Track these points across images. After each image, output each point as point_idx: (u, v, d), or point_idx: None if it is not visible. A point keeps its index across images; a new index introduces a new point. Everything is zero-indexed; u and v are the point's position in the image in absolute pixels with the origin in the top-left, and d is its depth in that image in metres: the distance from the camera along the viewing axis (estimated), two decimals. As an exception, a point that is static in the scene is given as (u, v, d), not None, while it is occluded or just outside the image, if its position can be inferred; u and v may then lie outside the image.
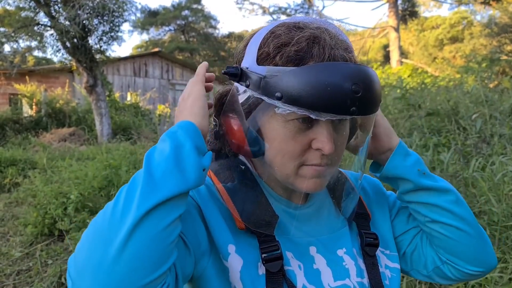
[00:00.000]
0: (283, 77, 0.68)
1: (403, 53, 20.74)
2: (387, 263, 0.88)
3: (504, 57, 11.93)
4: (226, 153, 0.85)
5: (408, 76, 11.41)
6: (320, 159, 0.73)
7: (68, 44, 10.38)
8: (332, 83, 0.66)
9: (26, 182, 6.34)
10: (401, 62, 16.94)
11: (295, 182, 0.76)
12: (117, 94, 15.76)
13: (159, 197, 0.60)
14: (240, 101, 0.76)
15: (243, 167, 0.83)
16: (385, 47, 21.74)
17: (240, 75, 0.74)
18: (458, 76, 9.63)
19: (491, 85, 7.09)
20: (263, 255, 0.74)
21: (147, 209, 0.59)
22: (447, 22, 22.57)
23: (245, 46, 0.79)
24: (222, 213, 0.78)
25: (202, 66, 0.79)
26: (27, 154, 8.13)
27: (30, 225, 4.47)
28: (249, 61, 0.75)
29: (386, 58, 21.24)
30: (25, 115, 13.01)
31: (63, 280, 3.21)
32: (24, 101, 13.65)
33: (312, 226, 0.84)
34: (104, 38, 10.87)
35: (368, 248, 0.85)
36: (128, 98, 17.43)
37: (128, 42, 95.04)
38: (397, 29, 17.78)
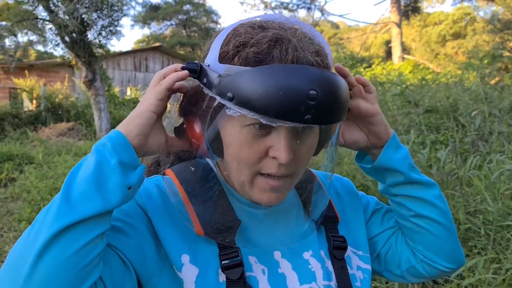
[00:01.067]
0: (237, 77, 0.64)
1: (405, 49, 20.64)
2: (359, 264, 0.86)
3: (507, 54, 11.82)
4: (192, 154, 0.82)
5: (409, 72, 11.34)
6: (277, 169, 0.69)
7: (67, 38, 10.34)
8: (285, 87, 0.61)
9: (22, 177, 6.32)
10: (403, 58, 16.84)
11: (250, 192, 0.74)
12: (116, 89, 15.73)
13: (72, 218, 0.57)
14: (202, 100, 0.72)
15: (207, 169, 0.79)
16: (387, 43, 21.63)
17: (199, 72, 0.70)
18: (459, 72, 9.56)
19: (492, 82, 7.01)
20: (223, 262, 0.72)
21: (57, 230, 0.56)
22: (450, 18, 22.44)
23: (211, 43, 0.75)
24: (179, 219, 0.75)
25: (171, 77, 0.70)
26: (24, 149, 8.11)
27: (24, 221, 4.46)
28: (211, 59, 0.71)
29: (388, 54, 21.15)
30: (25, 109, 12.99)
31: None
32: (24, 95, 13.63)
33: (278, 230, 0.81)
34: (103, 33, 10.83)
35: (336, 251, 0.83)
36: (128, 93, 17.41)
37: (130, 36, 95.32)
38: (399, 25, 17.67)
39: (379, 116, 0.81)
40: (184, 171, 0.79)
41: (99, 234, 0.60)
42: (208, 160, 0.81)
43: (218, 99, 0.66)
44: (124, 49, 20.54)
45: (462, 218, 2.86)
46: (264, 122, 0.64)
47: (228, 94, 0.64)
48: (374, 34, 22.11)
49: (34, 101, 13.19)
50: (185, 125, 0.76)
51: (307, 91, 0.61)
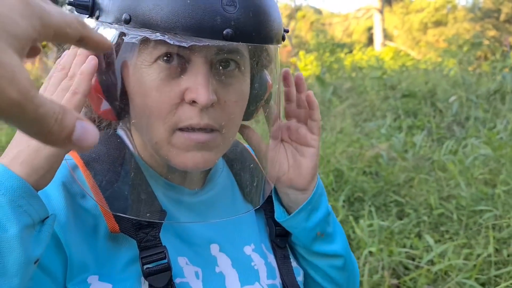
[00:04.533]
0: None
1: (387, 36, 20.65)
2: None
3: (487, 42, 11.90)
4: (98, 127, 0.64)
5: (390, 59, 11.31)
6: (199, 117, 0.54)
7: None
8: None
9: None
10: (385, 45, 16.83)
11: (168, 155, 0.57)
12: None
13: None
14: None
15: (121, 147, 0.62)
16: (370, 29, 21.61)
17: (91, 8, 0.56)
18: (439, 60, 9.56)
19: (470, 69, 7.02)
20: (145, 267, 0.57)
21: None
22: (432, 5, 22.49)
23: None
24: (88, 223, 0.58)
25: (84, 77, 0.52)
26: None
27: None
28: None
29: (370, 41, 21.13)
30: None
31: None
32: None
33: (212, 217, 0.67)
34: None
35: (279, 239, 0.71)
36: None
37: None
38: (381, 11, 17.62)
39: (314, 150, 0.69)
40: (93, 153, 0.61)
41: None
42: (121, 134, 0.64)
43: (112, 27, 0.53)
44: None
45: (434, 203, 2.81)
46: (171, 43, 0.50)
47: (124, 15, 0.51)
48: (356, 20, 22.04)
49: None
50: None
51: None
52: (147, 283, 0.57)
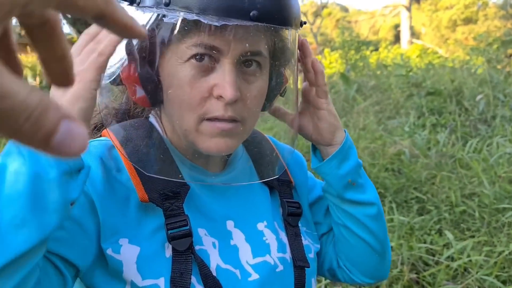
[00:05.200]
0: None
1: (414, 34, 20.31)
2: (309, 239, 0.82)
3: (518, 40, 11.55)
4: (133, 113, 0.74)
5: (417, 57, 11.14)
6: (224, 110, 0.62)
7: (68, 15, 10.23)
8: None
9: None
10: (412, 43, 16.57)
11: (196, 141, 0.65)
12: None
13: (2, 260, 0.47)
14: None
15: (152, 130, 0.71)
16: (397, 27, 21.30)
17: None
18: (467, 58, 9.37)
19: (499, 67, 6.87)
20: (169, 232, 0.64)
21: None
22: (462, 2, 21.99)
23: None
24: (121, 192, 0.66)
25: (111, 41, 0.57)
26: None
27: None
28: None
29: (397, 39, 20.82)
30: (29, 86, 12.98)
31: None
32: (27, 71, 13.61)
33: (230, 197, 0.75)
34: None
35: (291, 218, 0.77)
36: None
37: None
38: (409, 9, 17.34)
39: (324, 111, 0.76)
40: (125, 132, 0.69)
41: (35, 264, 0.51)
42: (153, 120, 0.73)
43: (154, 10, 0.60)
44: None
45: (456, 201, 2.80)
46: (205, 22, 0.57)
47: (164, 1, 0.58)
48: (383, 18, 21.74)
49: (37, 78, 13.18)
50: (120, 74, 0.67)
51: None
52: (171, 246, 0.64)
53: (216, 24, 0.57)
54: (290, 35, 0.67)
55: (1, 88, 0.18)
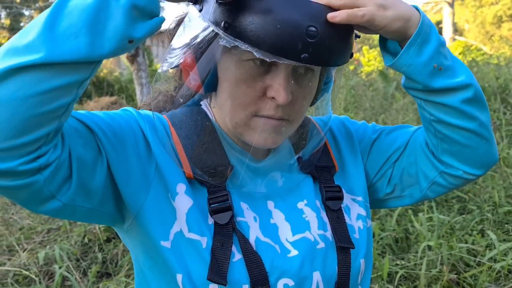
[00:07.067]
0: (234, 6, 0.59)
1: (457, 30, 19.68)
2: (360, 212, 0.80)
3: None
4: (186, 100, 0.78)
5: (460, 54, 10.79)
6: (275, 110, 0.66)
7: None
8: (283, 20, 0.57)
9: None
10: (454, 40, 16.06)
11: (244, 134, 0.70)
12: (158, 65, 15.96)
13: (47, 57, 0.48)
14: (199, 28, 0.68)
15: (201, 113, 0.76)
16: (439, 23, 20.69)
17: None
18: (514, 54, 9.00)
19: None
20: (211, 206, 0.69)
21: (25, 64, 0.48)
22: (508, -3, 21.10)
23: None
24: (173, 159, 0.71)
25: None
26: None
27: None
28: None
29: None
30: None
31: (86, 240, 3.29)
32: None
33: (271, 180, 0.77)
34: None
35: (331, 202, 0.77)
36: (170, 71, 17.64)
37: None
38: (451, 4, 16.81)
39: (386, 12, 0.63)
40: (177, 115, 0.75)
41: (74, 82, 0.52)
42: (205, 107, 0.77)
43: (213, 27, 0.62)
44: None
45: (500, 201, 2.70)
46: (257, 56, 0.59)
47: (223, 23, 0.60)
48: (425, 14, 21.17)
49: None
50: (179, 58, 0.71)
51: (306, 27, 0.58)
52: (213, 220, 0.68)
53: (266, 59, 0.60)
54: None
55: None
